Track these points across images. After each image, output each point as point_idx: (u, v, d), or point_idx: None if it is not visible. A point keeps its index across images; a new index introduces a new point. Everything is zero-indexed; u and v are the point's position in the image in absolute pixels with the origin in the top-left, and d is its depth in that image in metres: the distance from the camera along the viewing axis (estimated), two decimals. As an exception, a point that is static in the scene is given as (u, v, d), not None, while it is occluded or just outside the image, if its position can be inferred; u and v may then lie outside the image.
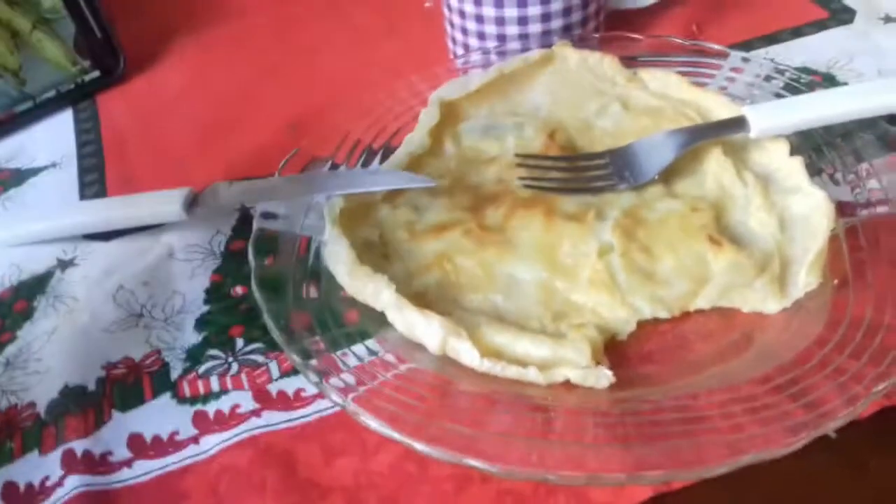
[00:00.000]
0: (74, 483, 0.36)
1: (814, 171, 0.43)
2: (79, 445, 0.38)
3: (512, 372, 0.36)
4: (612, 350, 0.38)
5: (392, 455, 0.36)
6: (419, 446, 0.32)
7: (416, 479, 0.35)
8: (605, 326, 0.39)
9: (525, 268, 0.41)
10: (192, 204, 0.47)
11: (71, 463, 0.37)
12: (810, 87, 0.48)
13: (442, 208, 0.45)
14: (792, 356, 0.35)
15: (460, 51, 0.58)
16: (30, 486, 0.37)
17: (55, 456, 0.38)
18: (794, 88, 0.48)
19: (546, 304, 0.40)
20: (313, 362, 0.36)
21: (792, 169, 0.43)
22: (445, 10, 0.58)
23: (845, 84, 0.53)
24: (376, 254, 0.44)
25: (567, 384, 0.36)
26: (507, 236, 0.43)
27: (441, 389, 0.36)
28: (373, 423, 0.33)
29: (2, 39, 0.59)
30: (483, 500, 0.34)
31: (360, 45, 0.65)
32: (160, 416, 0.39)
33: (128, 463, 0.37)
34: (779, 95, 0.48)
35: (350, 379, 0.36)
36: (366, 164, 0.49)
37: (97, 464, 0.37)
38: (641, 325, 0.39)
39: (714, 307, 0.39)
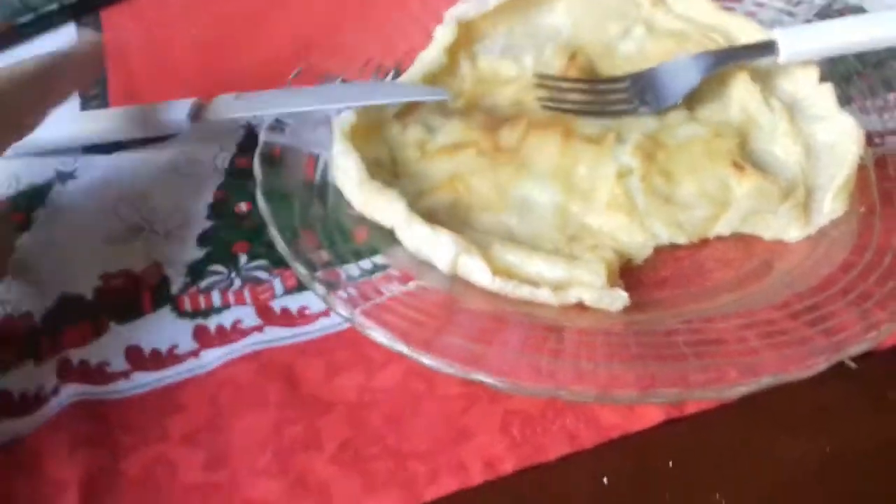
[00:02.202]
0: (70, 392, 0.36)
1: (843, 100, 0.42)
2: (75, 355, 0.37)
3: (524, 291, 0.35)
4: (627, 274, 0.37)
5: (397, 373, 0.35)
6: (427, 360, 0.32)
7: (422, 396, 0.34)
8: (622, 250, 0.38)
9: (540, 190, 0.40)
10: (196, 115, 0.45)
11: (66, 372, 0.37)
12: (842, 14, 0.46)
13: (455, 128, 0.43)
14: (813, 283, 0.34)
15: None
16: (24, 394, 0.36)
17: (50, 365, 0.37)
18: (825, 16, 0.46)
19: (561, 228, 0.39)
20: (319, 275, 0.35)
21: (820, 97, 0.42)
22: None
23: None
24: (385, 172, 0.42)
25: (579, 306, 0.35)
26: (522, 158, 0.41)
27: (449, 307, 0.35)
28: (379, 336, 0.33)
29: (2, -53, 0.57)
30: (490, 419, 0.33)
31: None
32: (159, 329, 0.38)
33: (125, 374, 0.37)
34: (809, 22, 0.46)
35: (356, 293, 0.35)
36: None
37: (93, 374, 0.37)
38: (658, 250, 0.38)
39: (734, 234, 0.38)
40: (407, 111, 0.44)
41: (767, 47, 0.42)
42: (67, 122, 0.48)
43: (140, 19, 0.60)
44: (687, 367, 0.31)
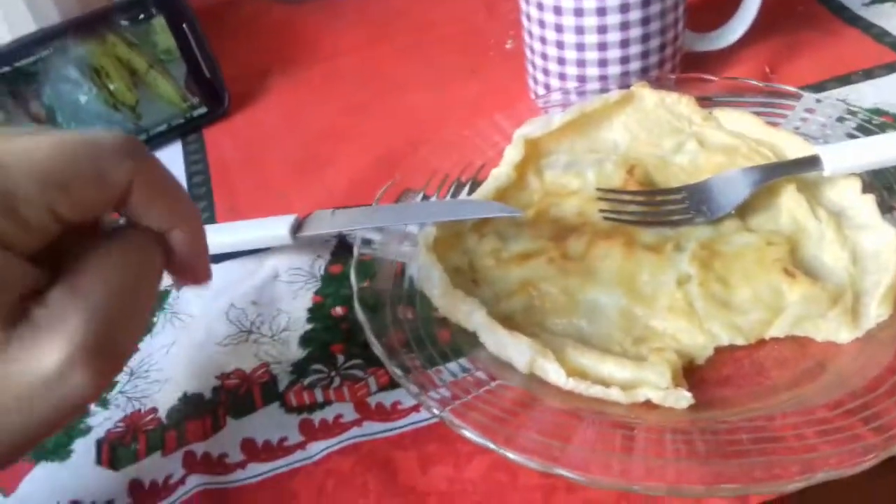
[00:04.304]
0: (195, 482, 0.40)
1: (885, 208, 0.45)
2: (198, 448, 0.42)
3: (596, 391, 0.39)
4: (691, 374, 0.40)
5: (483, 465, 0.39)
6: (511, 455, 0.35)
7: (506, 487, 0.38)
8: (684, 351, 0.41)
9: (606, 294, 0.44)
10: (297, 230, 0.51)
11: (191, 463, 0.41)
12: (882, 128, 0.50)
13: (526, 238, 0.48)
14: (863, 383, 0.37)
15: (541, 90, 0.62)
16: (154, 483, 0.41)
17: (177, 456, 0.42)
18: (866, 129, 0.50)
19: (627, 330, 0.42)
20: (412, 376, 0.40)
21: (863, 206, 0.45)
22: (528, 52, 0.62)
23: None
24: (465, 279, 0.47)
25: (647, 404, 0.39)
26: (588, 265, 0.46)
27: (528, 405, 0.39)
28: (468, 433, 0.37)
29: (121, 77, 0.65)
30: (568, 508, 0.37)
31: (444, 85, 0.69)
32: (270, 423, 0.43)
33: (242, 465, 0.41)
34: (851, 135, 0.50)
35: (446, 392, 0.39)
36: (454, 197, 0.52)
37: (215, 464, 0.41)
38: (718, 350, 0.41)
39: (788, 336, 0.41)
40: (483, 223, 0.49)
41: (812, 162, 0.46)
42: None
43: (238, 138, 0.67)
44: (749, 464, 0.34)
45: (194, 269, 0.34)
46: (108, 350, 0.28)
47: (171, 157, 0.66)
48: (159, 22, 0.66)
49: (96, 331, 0.27)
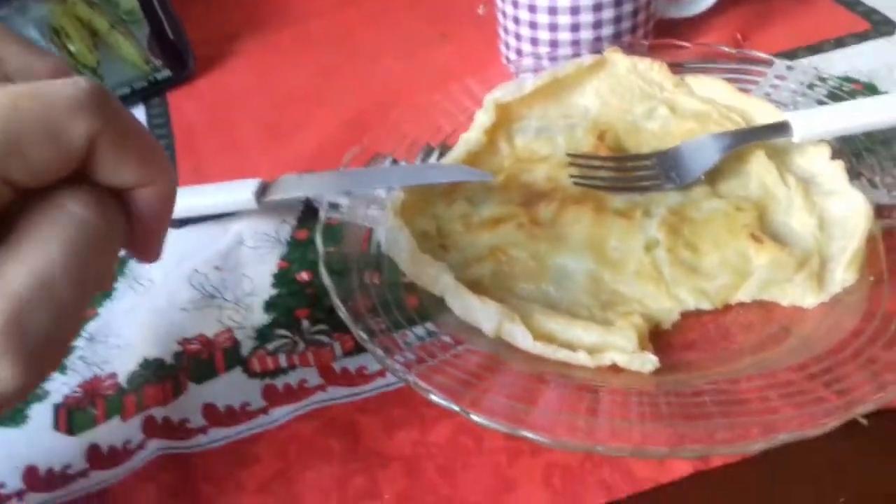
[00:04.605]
0: (155, 446, 0.40)
1: (853, 174, 0.45)
2: (158, 413, 0.41)
3: (563, 354, 0.39)
4: (657, 338, 0.40)
5: (448, 429, 0.39)
6: (476, 418, 0.35)
7: (471, 450, 0.38)
8: (651, 316, 0.41)
9: (575, 260, 0.43)
10: (262, 194, 0.50)
11: (151, 428, 0.41)
12: (852, 95, 0.50)
13: (496, 203, 0.48)
14: (827, 347, 0.37)
15: (513, 56, 0.61)
16: (112, 448, 0.40)
17: (136, 422, 0.41)
18: (836, 96, 0.50)
19: (595, 295, 0.42)
20: (378, 340, 0.39)
21: (832, 172, 0.45)
22: (499, 17, 0.61)
23: (886, 93, 0.54)
24: (433, 244, 0.46)
25: (613, 368, 0.38)
26: (557, 230, 0.45)
27: (495, 369, 0.39)
28: (434, 396, 0.36)
29: (82, 38, 0.63)
30: (533, 471, 0.37)
31: (414, 49, 0.68)
32: (232, 388, 0.42)
33: (203, 430, 0.40)
34: (821, 102, 0.50)
35: (411, 356, 0.39)
36: (424, 161, 0.51)
37: (175, 429, 0.41)
38: (685, 315, 0.41)
39: (754, 300, 0.42)
40: (452, 188, 0.49)
41: (782, 128, 0.46)
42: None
43: (203, 102, 0.66)
44: (712, 426, 0.34)
45: (151, 238, 0.30)
46: (29, 342, 0.24)
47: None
48: (121, -19, 0.64)
49: (9, 320, 0.24)
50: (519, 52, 0.60)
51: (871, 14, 0.64)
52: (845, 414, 0.33)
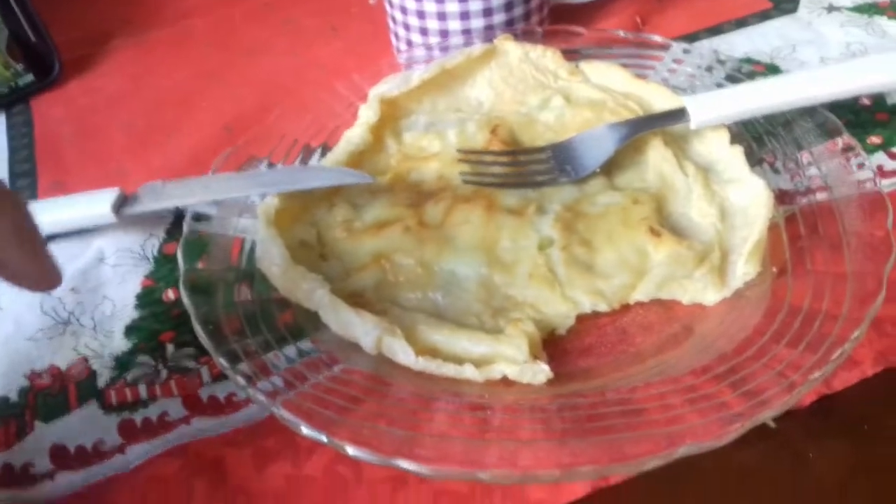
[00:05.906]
0: (-7, 498, 0.35)
1: (754, 160, 0.43)
2: (-1, 459, 0.37)
3: (448, 370, 0.35)
4: (552, 345, 0.38)
5: (325, 459, 0.35)
6: (350, 450, 0.31)
7: (350, 482, 0.34)
8: (545, 321, 0.38)
9: (464, 264, 0.40)
10: (122, 205, 0.45)
11: (-10, 477, 0.36)
12: (751, 76, 0.47)
13: (382, 205, 0.44)
14: (731, 346, 0.35)
15: (403, 47, 0.57)
16: (-53, 503, 0.35)
17: (-26, 471, 0.36)
18: (735, 78, 0.48)
19: (486, 301, 0.39)
20: (242, 366, 0.35)
21: (732, 159, 0.43)
22: (387, 6, 0.57)
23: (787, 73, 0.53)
24: (313, 254, 0.42)
25: (505, 381, 0.35)
26: (446, 232, 0.42)
27: (376, 390, 0.35)
28: (303, 427, 0.32)
29: (-71, 42, 0.57)
30: (420, 500, 0.33)
31: (302, 46, 0.64)
32: (85, 425, 0.38)
33: (50, 475, 0.36)
34: (720, 85, 0.48)
35: (279, 382, 0.35)
36: (304, 163, 0.47)
37: (18, 477, 0.36)
38: (581, 318, 0.38)
39: (654, 299, 0.39)
40: (334, 192, 0.45)
41: (678, 114, 0.43)
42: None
43: (71, 108, 0.60)
44: (608, 441, 0.31)
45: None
46: None
47: (-5, 131, 0.59)
48: (-27, -21, 0.58)
49: None
50: (409, 43, 0.57)
51: (771, -7, 0.62)
52: (749, 421, 0.30)
